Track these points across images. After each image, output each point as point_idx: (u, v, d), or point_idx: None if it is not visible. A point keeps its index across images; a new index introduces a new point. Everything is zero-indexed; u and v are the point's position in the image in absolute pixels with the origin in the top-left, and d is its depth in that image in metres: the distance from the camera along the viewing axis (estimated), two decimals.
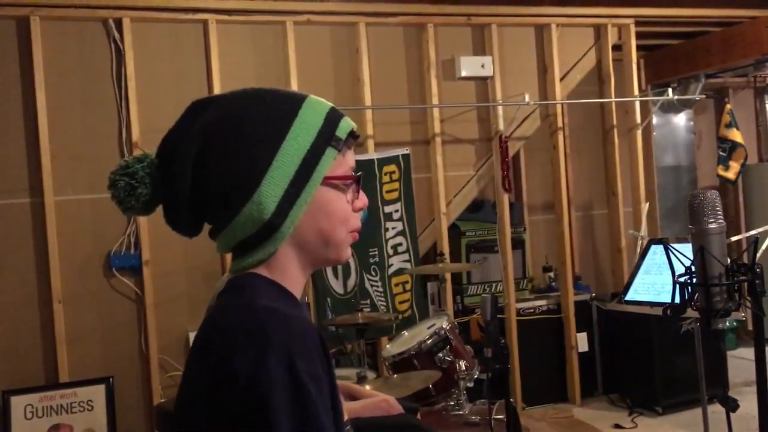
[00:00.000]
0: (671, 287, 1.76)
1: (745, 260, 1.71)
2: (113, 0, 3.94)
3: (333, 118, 1.06)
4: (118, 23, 3.96)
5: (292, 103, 1.06)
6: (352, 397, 1.55)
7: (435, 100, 4.57)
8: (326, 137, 1.04)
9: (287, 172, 1.01)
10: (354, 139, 1.09)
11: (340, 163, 1.06)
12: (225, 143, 1.02)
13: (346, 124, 1.08)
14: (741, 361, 5.36)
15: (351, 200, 1.08)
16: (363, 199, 1.10)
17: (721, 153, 5.57)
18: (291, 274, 1.06)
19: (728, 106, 5.69)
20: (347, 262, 4.26)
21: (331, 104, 1.09)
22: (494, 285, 5.01)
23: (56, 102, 3.87)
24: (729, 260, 1.70)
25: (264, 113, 1.03)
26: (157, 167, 1.05)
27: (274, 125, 1.03)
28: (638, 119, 5.17)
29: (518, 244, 5.17)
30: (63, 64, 3.91)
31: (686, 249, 1.79)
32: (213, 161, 1.02)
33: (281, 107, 1.05)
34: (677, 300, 1.70)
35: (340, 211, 1.07)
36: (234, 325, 0.96)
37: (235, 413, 0.91)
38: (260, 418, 0.89)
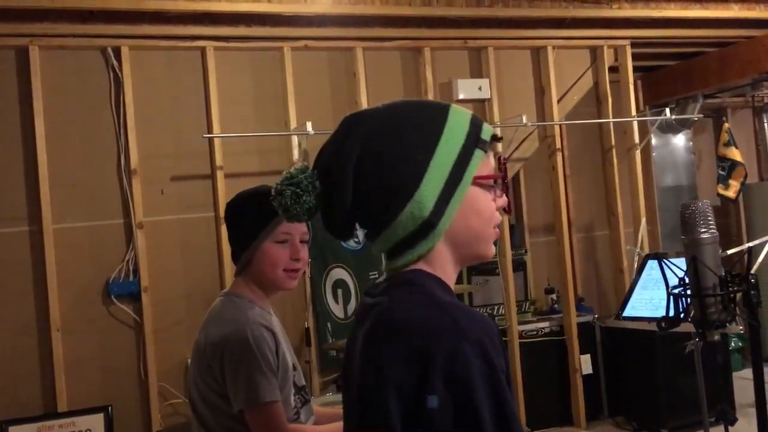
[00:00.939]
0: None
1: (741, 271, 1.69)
2: (111, 29, 3.97)
3: (477, 122, 1.15)
4: (117, 51, 3.99)
5: (441, 109, 1.15)
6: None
7: None
8: (474, 140, 1.12)
9: (442, 173, 1.09)
10: (497, 141, 1.18)
11: (485, 164, 1.14)
12: (385, 149, 1.10)
13: (488, 128, 1.16)
14: (747, 382, 5.28)
15: (494, 198, 1.16)
16: (504, 198, 1.18)
17: (721, 172, 5.57)
18: (447, 270, 1.13)
19: (726, 125, 5.70)
20: (347, 286, 4.25)
21: (471, 111, 1.18)
22: (496, 307, 4.98)
23: (55, 130, 3.89)
24: (723, 271, 1.68)
25: (418, 119, 1.12)
26: (317, 178, 1.13)
27: (429, 130, 1.11)
28: (636, 139, 5.18)
29: (520, 266, 5.15)
30: (62, 93, 3.93)
31: (683, 263, 1.77)
32: (374, 168, 1.10)
33: (432, 113, 1.14)
34: (672, 312, 1.68)
35: (487, 208, 1.14)
36: (428, 319, 1.02)
37: (433, 404, 0.96)
38: (463, 404, 0.96)
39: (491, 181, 1.14)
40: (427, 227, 1.09)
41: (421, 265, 1.12)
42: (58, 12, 3.85)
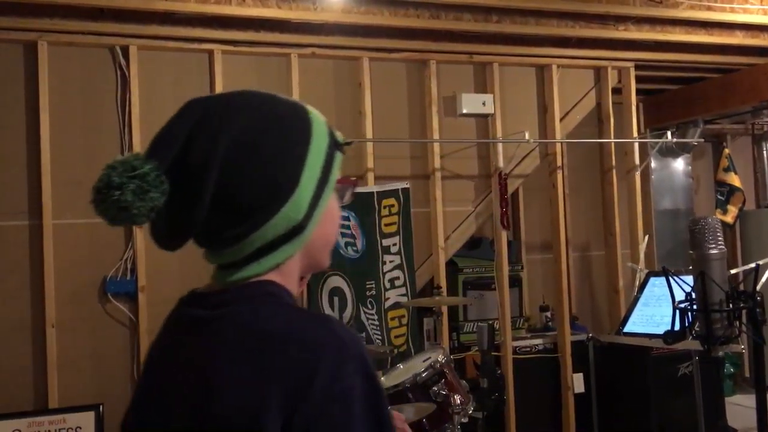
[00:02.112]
0: (670, 319, 1.75)
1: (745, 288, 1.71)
2: (121, 28, 3.99)
3: (329, 125, 1.08)
4: (125, 51, 4.01)
5: (301, 107, 1.06)
6: None
7: (436, 136, 4.61)
8: (334, 141, 1.05)
9: (315, 173, 1.01)
10: (347, 145, 1.12)
11: (338, 169, 1.07)
12: (265, 144, 0.98)
13: (339, 132, 1.09)
14: (738, 408, 5.30)
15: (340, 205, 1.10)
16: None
17: (719, 197, 5.60)
18: (294, 281, 1.05)
19: (726, 151, 5.75)
20: (343, 293, 4.25)
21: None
22: (491, 323, 4.97)
23: (59, 126, 3.90)
24: (730, 287, 1.69)
25: (291, 111, 1.03)
26: (166, 171, 0.96)
27: (302, 124, 1.03)
28: (637, 161, 5.21)
29: (515, 282, 5.16)
30: (68, 89, 3.94)
31: (688, 280, 1.79)
32: (249, 162, 0.97)
33: (297, 107, 1.05)
34: (677, 326, 1.69)
35: (338, 215, 1.08)
36: (307, 331, 0.94)
37: (311, 420, 0.88)
38: (342, 422, 0.89)
39: (341, 186, 1.07)
40: (296, 231, 0.99)
41: (272, 275, 1.00)
42: (69, 8, 3.86)
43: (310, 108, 1.07)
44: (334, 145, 1.05)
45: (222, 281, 1.03)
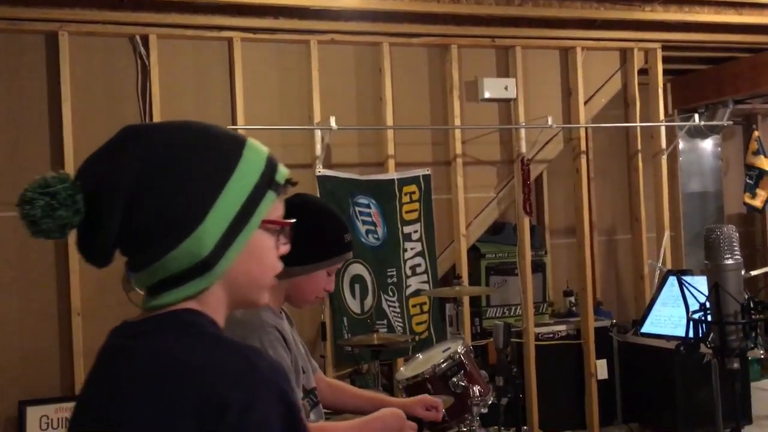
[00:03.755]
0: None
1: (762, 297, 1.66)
2: (140, 17, 3.99)
3: (273, 162, 1.07)
4: (145, 40, 4.01)
5: (237, 142, 1.06)
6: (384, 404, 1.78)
7: (457, 122, 4.56)
8: (267, 180, 1.04)
9: (230, 211, 1.00)
10: (291, 185, 1.09)
11: (276, 207, 1.06)
12: (169, 174, 0.99)
13: (284, 171, 1.08)
14: (765, 393, 5.23)
15: (278, 246, 1.08)
16: (287, 246, 1.09)
17: (749, 181, 5.49)
18: (220, 311, 1.05)
19: (756, 134, 5.61)
20: (364, 281, 4.25)
21: (268, 150, 1.09)
22: (513, 308, 4.96)
23: (81, 116, 3.92)
24: (746, 296, 1.65)
25: (210, 148, 1.03)
26: (79, 191, 0.99)
27: (221, 162, 1.02)
28: (663, 144, 5.11)
29: (539, 267, 5.12)
30: (89, 79, 3.96)
31: (704, 281, 1.74)
32: (154, 194, 0.99)
33: (227, 145, 1.04)
34: (691, 336, 1.66)
35: (270, 255, 1.06)
36: (221, 360, 0.95)
37: None
38: None
39: (278, 227, 1.06)
40: (202, 267, 1.00)
41: (191, 304, 1.02)
42: None
43: (252, 144, 1.06)
44: (268, 184, 1.04)
45: (145, 307, 1.05)
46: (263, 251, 1.05)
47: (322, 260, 1.85)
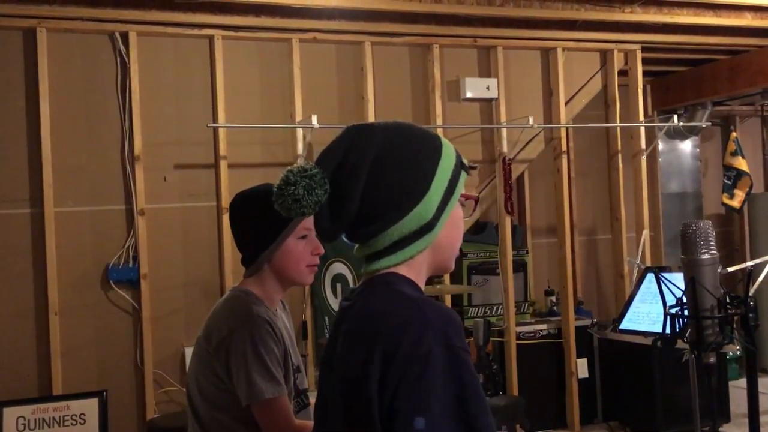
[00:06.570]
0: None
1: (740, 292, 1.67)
2: (120, 14, 3.95)
3: (458, 152, 1.32)
4: (125, 37, 3.98)
5: (434, 134, 1.31)
6: None
7: (439, 121, 4.56)
8: (460, 163, 1.29)
9: (443, 184, 1.25)
10: (473, 169, 1.24)
11: (463, 185, 1.30)
12: (401, 158, 1.24)
13: (465, 159, 1.33)
14: (742, 392, 5.28)
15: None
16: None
17: (726, 181, 5.54)
18: (422, 273, 1.27)
19: (734, 134, 5.67)
20: (346, 280, 4.24)
21: None
22: (495, 307, 4.97)
23: (60, 113, 3.88)
24: (722, 291, 1.66)
25: (424, 138, 1.28)
26: (326, 175, 1.23)
27: (432, 147, 1.27)
28: (643, 145, 5.15)
29: (520, 267, 5.14)
30: (68, 76, 3.92)
31: (682, 278, 1.75)
32: (390, 172, 1.23)
33: (430, 136, 1.30)
34: (668, 331, 1.67)
35: (462, 225, 1.30)
36: (396, 311, 1.16)
37: (399, 374, 1.10)
38: (421, 386, 1.09)
39: (465, 200, 1.30)
40: (426, 228, 1.23)
41: (401, 269, 1.25)
42: None
43: (441, 137, 1.32)
44: (460, 166, 1.29)
45: (365, 272, 1.28)
46: (458, 220, 1.29)
47: (280, 230, 1.86)
